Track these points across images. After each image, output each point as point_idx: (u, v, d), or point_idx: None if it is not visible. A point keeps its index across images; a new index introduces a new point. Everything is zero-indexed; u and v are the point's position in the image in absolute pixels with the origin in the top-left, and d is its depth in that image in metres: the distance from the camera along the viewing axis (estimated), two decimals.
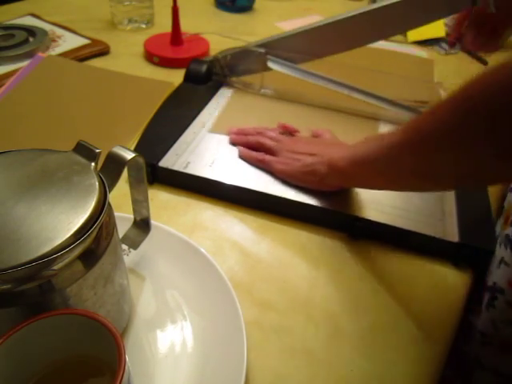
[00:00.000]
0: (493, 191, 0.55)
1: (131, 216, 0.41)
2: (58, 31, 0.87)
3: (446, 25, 0.96)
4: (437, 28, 0.95)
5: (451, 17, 0.93)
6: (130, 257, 0.43)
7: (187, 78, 0.70)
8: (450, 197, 0.53)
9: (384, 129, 0.65)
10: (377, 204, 0.51)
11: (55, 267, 0.26)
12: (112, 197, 0.31)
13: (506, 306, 0.45)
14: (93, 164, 0.32)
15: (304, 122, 0.64)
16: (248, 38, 0.74)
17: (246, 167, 0.55)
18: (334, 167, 0.47)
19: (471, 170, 0.34)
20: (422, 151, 0.37)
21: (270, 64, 0.67)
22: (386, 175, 0.42)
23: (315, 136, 0.59)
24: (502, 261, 0.46)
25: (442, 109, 0.34)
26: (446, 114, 0.34)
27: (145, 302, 0.40)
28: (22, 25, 0.85)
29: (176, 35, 0.82)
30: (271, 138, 0.56)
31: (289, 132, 0.60)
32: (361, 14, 0.61)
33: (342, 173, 0.47)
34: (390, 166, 0.41)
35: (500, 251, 0.47)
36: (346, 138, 0.63)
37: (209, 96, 0.67)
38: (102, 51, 0.82)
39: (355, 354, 0.38)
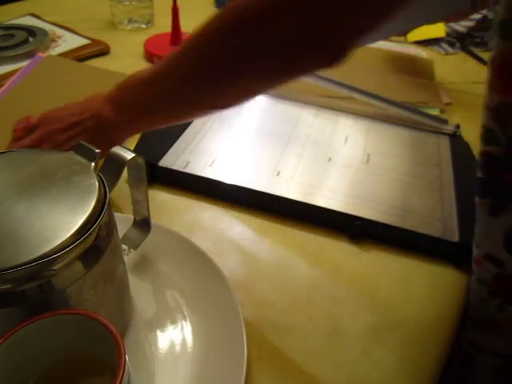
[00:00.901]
0: None
1: (131, 216, 0.41)
2: (58, 31, 0.87)
3: (445, 25, 0.96)
4: (437, 28, 0.95)
5: None
6: (129, 257, 0.43)
7: None
8: (449, 197, 0.53)
9: (384, 129, 0.65)
10: (377, 204, 0.51)
11: (55, 267, 0.26)
12: (112, 197, 0.31)
13: (477, 284, 0.45)
14: (93, 164, 0.32)
15: (304, 122, 0.64)
16: None
17: (246, 167, 0.55)
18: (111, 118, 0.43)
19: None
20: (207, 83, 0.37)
21: None
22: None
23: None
24: None
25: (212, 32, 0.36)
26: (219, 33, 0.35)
27: (145, 302, 0.40)
28: (22, 25, 0.85)
29: (176, 35, 0.82)
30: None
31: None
32: None
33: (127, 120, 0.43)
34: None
35: None
36: (346, 137, 0.63)
37: None
38: (102, 51, 0.82)
39: (355, 354, 0.38)
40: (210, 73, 0.37)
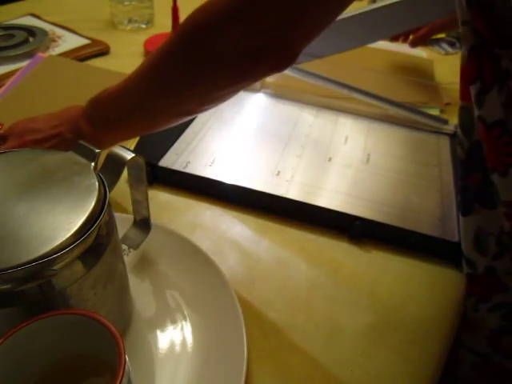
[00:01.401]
0: None
1: (131, 216, 0.41)
2: (58, 31, 0.87)
3: None
4: None
5: None
6: (129, 257, 0.43)
7: None
8: (450, 197, 0.53)
9: (384, 129, 0.65)
10: (377, 204, 0.51)
11: (55, 267, 0.26)
12: (112, 197, 0.31)
13: None
14: (93, 164, 0.32)
15: (304, 122, 0.64)
16: None
17: (246, 167, 0.55)
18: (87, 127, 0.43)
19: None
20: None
21: None
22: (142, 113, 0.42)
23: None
24: None
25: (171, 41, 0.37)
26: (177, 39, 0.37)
27: (145, 302, 0.40)
28: (22, 25, 0.85)
29: None
30: None
31: None
32: (361, 13, 0.61)
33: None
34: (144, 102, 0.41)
35: None
36: (346, 137, 0.63)
37: None
38: (102, 51, 0.82)
39: (355, 354, 0.38)
40: (172, 83, 0.38)
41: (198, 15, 0.35)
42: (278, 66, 0.36)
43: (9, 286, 0.25)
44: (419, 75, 0.81)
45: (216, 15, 0.34)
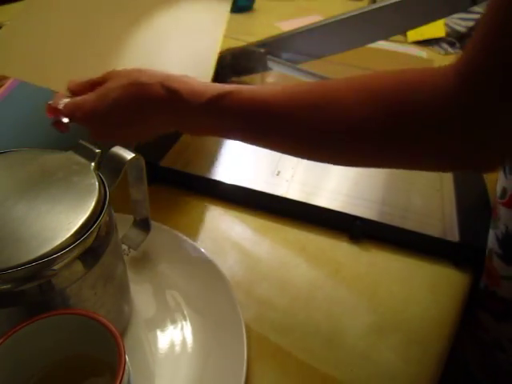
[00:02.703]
0: (493, 190, 0.55)
1: (131, 216, 0.41)
2: None
3: (446, 25, 0.96)
4: (437, 28, 0.95)
5: (451, 17, 0.93)
6: (129, 257, 0.43)
7: None
8: (450, 197, 0.53)
9: None
10: (377, 204, 0.51)
11: (55, 267, 0.26)
12: (112, 197, 0.31)
13: None
14: (92, 164, 0.32)
15: None
16: (248, 38, 0.74)
17: (246, 167, 0.55)
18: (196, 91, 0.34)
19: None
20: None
21: (270, 64, 0.67)
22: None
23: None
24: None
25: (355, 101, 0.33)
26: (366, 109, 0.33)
27: (145, 302, 0.40)
28: None
29: None
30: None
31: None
32: (361, 13, 0.61)
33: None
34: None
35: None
36: None
37: None
38: None
39: (355, 355, 0.38)
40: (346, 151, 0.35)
41: (404, 91, 0.31)
42: (477, 170, 0.32)
43: (9, 286, 0.25)
44: None
45: (435, 103, 0.29)
